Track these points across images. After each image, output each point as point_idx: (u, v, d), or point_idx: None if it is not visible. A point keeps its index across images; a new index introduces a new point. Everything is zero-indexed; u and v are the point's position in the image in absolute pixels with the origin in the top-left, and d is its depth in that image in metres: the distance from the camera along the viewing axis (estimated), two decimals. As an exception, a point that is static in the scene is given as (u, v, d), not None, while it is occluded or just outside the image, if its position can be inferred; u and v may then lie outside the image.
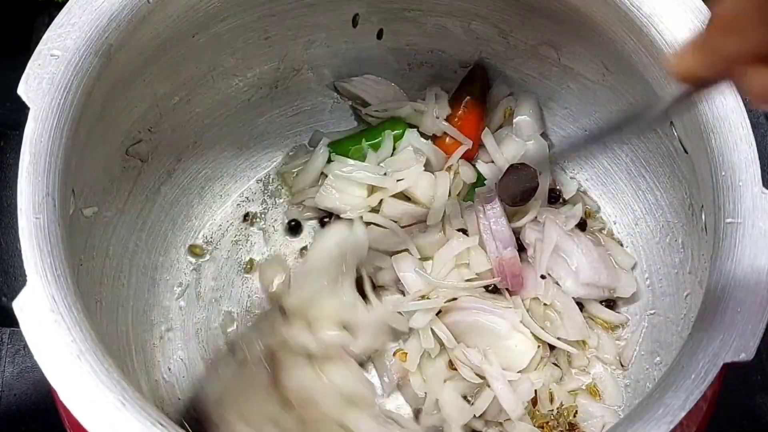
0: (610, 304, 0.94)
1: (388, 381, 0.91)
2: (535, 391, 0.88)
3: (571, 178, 0.99)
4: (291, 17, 0.90)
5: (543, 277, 0.90)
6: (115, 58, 0.73)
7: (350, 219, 0.94)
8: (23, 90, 0.67)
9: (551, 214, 0.93)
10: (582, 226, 0.95)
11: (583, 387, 0.91)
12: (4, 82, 0.74)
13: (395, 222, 0.94)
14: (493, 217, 0.91)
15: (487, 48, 0.94)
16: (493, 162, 0.97)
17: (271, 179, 1.02)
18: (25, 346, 0.83)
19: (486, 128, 0.98)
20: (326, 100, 1.02)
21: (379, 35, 0.95)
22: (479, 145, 0.98)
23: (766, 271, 0.64)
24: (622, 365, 0.92)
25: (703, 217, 0.74)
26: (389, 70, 0.99)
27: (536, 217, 0.93)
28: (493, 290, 0.91)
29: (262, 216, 1.01)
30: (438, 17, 0.92)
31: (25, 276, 0.61)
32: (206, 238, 0.99)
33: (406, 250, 0.93)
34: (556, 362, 0.91)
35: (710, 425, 0.72)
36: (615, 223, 0.97)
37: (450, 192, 0.95)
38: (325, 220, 0.98)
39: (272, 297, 0.95)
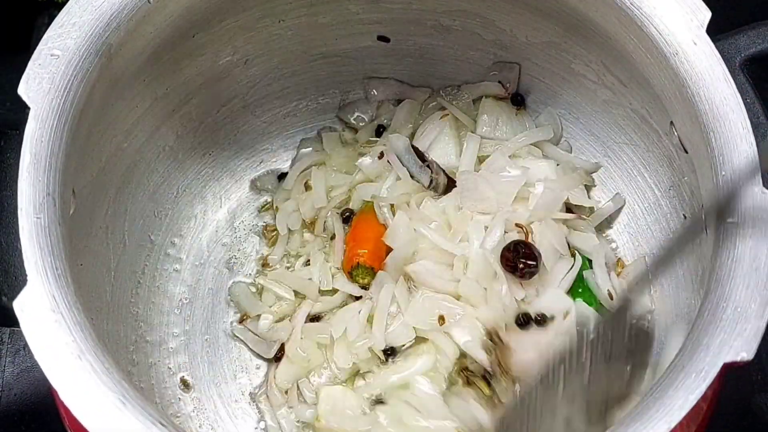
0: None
1: None
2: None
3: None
4: (291, 18, 0.90)
5: None
6: (115, 58, 0.73)
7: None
8: (23, 90, 0.67)
9: None
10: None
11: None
12: (4, 82, 0.74)
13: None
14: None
15: (486, 48, 0.94)
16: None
17: (268, 179, 1.02)
18: (25, 346, 0.83)
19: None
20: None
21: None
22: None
23: (766, 271, 0.64)
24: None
25: (703, 217, 0.74)
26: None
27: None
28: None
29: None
30: (437, 17, 0.92)
31: (26, 276, 0.61)
32: (210, 237, 0.99)
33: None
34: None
35: (710, 425, 0.72)
36: (614, 223, 0.97)
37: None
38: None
39: None
